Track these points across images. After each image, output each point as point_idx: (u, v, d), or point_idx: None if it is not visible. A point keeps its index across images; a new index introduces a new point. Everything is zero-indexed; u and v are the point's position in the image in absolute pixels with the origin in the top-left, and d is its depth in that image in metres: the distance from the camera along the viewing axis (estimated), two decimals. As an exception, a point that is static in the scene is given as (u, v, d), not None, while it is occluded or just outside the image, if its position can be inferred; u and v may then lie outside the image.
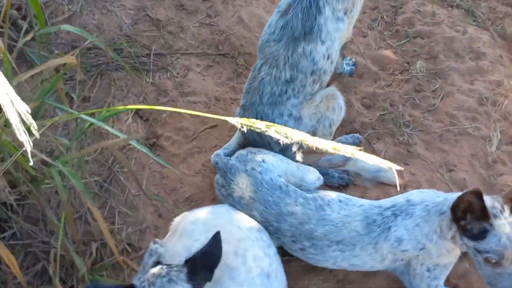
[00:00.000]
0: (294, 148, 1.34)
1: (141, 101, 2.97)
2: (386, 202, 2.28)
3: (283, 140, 1.35)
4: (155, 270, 1.89)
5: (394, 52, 3.23)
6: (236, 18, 3.33)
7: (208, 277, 1.89)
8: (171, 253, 2.14)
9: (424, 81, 3.07)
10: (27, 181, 2.22)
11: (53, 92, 2.86)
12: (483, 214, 1.94)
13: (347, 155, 1.31)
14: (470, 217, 1.97)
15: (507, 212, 1.99)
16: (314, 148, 1.36)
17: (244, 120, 1.37)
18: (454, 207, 1.99)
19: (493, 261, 1.95)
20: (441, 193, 2.23)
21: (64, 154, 2.13)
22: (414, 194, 2.26)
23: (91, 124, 2.18)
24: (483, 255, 1.96)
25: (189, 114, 2.95)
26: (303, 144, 2.68)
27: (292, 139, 1.34)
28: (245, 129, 1.37)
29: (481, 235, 1.95)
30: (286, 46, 2.51)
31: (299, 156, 1.34)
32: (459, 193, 1.99)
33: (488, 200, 1.97)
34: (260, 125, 1.35)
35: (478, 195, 1.90)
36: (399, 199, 2.25)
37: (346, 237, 2.19)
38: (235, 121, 1.39)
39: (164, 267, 1.90)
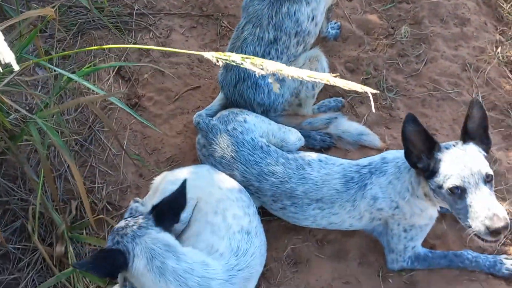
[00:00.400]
0: (271, 80, 1.32)
1: (123, 61, 2.93)
2: (364, 160, 2.30)
3: (259, 72, 1.33)
4: (121, 223, 1.93)
5: (379, 17, 3.20)
6: (221, -22, 3.26)
7: (175, 220, 1.98)
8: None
9: (408, 46, 3.06)
10: (5, 138, 2.19)
11: (33, 50, 2.82)
12: (429, 140, 1.97)
13: (323, 81, 1.30)
14: (423, 156, 1.99)
15: (460, 143, 2.03)
16: (290, 77, 1.35)
17: (219, 54, 1.35)
18: (406, 153, 2.02)
19: (458, 190, 1.94)
20: None
21: (43, 110, 2.09)
22: (389, 153, 2.29)
23: (71, 80, 2.15)
24: (443, 187, 1.96)
25: (171, 75, 2.93)
26: (286, 105, 2.68)
27: (268, 70, 1.32)
28: (220, 63, 1.35)
29: (436, 168, 1.97)
30: (270, 6, 2.48)
31: (275, 87, 1.34)
32: None
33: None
34: (235, 58, 1.34)
35: (413, 119, 1.93)
36: (376, 157, 2.28)
37: (326, 195, 2.21)
38: (209, 55, 1.37)
39: (129, 218, 1.95)
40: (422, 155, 2.00)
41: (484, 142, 2.06)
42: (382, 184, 2.18)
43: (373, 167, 2.23)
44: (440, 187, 1.98)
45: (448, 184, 1.95)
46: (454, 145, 2.04)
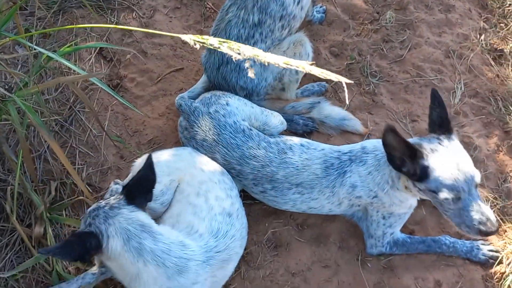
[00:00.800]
0: (247, 65, 1.32)
1: (105, 41, 2.88)
2: (345, 147, 2.30)
3: (235, 57, 1.33)
4: (93, 206, 1.91)
5: (365, 1, 3.19)
6: (207, -42, 3.22)
7: (148, 197, 1.96)
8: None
9: (393, 31, 3.06)
10: (-17, 117, 2.15)
11: (13, 28, 2.76)
12: (410, 149, 1.96)
13: (299, 69, 1.30)
14: (407, 160, 1.99)
15: (445, 141, 2.02)
16: (267, 64, 1.34)
17: (196, 37, 1.34)
18: (388, 158, 2.01)
19: (450, 197, 1.97)
20: None
21: (22, 89, 2.05)
22: (369, 142, 2.29)
23: (51, 59, 2.11)
24: (438, 194, 1.99)
25: (154, 56, 2.89)
26: (270, 89, 2.66)
27: (245, 55, 1.31)
28: (198, 46, 1.34)
29: (424, 174, 1.98)
30: (256, -12, 2.45)
31: (251, 73, 1.33)
32: None
33: (414, 140, 2.04)
34: (213, 41, 1.33)
35: (392, 131, 1.92)
36: (357, 145, 2.28)
37: (306, 179, 2.21)
38: (187, 37, 1.36)
39: (101, 200, 1.92)
40: (405, 160, 2.00)
41: (450, 130, 2.07)
42: (362, 174, 2.19)
43: (353, 155, 2.23)
44: (433, 191, 2.00)
45: (443, 195, 1.98)
46: (439, 143, 2.02)
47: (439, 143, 2.02)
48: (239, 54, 1.31)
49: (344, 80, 1.28)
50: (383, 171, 2.15)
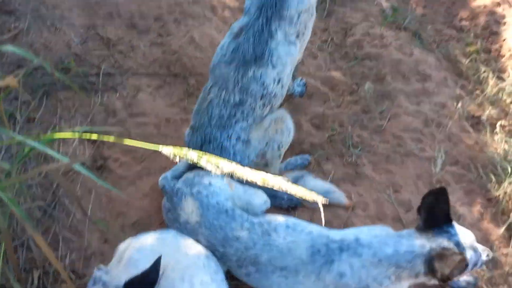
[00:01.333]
0: (226, 180, 1.35)
1: (89, 122, 2.92)
2: (336, 234, 2.24)
3: (214, 171, 1.37)
4: None
5: (344, 74, 3.29)
6: (188, 38, 3.32)
7: None
8: (116, 282, 2.10)
9: (372, 102, 3.13)
10: (-36, 208, 2.14)
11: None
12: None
13: (275, 187, 1.34)
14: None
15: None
16: (245, 181, 1.38)
17: (177, 150, 1.38)
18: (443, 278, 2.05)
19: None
20: (390, 237, 2.18)
21: (3, 180, 2.06)
22: (363, 232, 2.22)
23: (33, 148, 2.13)
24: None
25: (138, 136, 2.92)
26: (253, 166, 2.70)
27: (223, 170, 1.35)
28: (177, 159, 1.38)
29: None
30: (237, 69, 2.51)
31: (232, 187, 1.37)
32: (407, 242, 2.10)
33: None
34: (192, 155, 1.36)
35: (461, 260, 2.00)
36: (349, 235, 2.21)
37: (290, 264, 2.18)
38: (167, 151, 1.39)
39: None
40: None
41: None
42: (354, 266, 2.12)
43: (345, 244, 2.16)
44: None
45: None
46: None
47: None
48: (217, 168, 1.35)
49: (319, 199, 1.35)
50: (384, 268, 2.10)
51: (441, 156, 2.89)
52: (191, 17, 3.44)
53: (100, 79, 3.09)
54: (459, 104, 3.15)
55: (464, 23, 3.58)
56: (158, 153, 2.88)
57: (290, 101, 3.13)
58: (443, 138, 2.99)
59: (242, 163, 2.63)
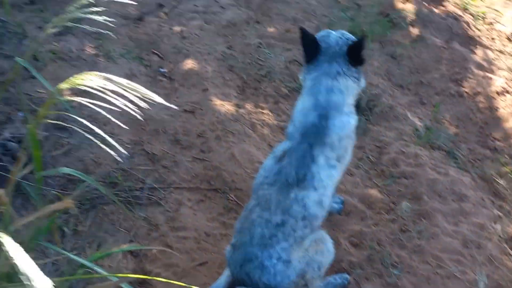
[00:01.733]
0: None
1: (132, 236, 3.00)
2: None
3: None
4: None
5: (380, 191, 3.35)
6: (228, 154, 3.47)
7: None
8: None
9: (409, 221, 3.16)
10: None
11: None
12: None
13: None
14: None
15: None
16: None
17: None
18: None
19: None
20: None
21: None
22: None
23: (83, 265, 2.20)
24: None
25: (178, 250, 2.98)
26: (293, 286, 2.68)
27: None
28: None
29: None
30: (279, 191, 2.60)
31: None
32: None
33: None
34: None
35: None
36: None
37: None
38: None
39: None
40: None
41: None
42: None
43: None
44: None
45: None
46: None
47: None
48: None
49: None
50: None
51: (484, 281, 2.85)
52: (232, 134, 3.61)
53: (144, 193, 3.21)
54: (498, 226, 3.15)
55: (498, 143, 3.67)
56: (197, 269, 2.94)
57: (328, 218, 3.17)
58: (484, 260, 2.97)
59: (282, 283, 2.64)
